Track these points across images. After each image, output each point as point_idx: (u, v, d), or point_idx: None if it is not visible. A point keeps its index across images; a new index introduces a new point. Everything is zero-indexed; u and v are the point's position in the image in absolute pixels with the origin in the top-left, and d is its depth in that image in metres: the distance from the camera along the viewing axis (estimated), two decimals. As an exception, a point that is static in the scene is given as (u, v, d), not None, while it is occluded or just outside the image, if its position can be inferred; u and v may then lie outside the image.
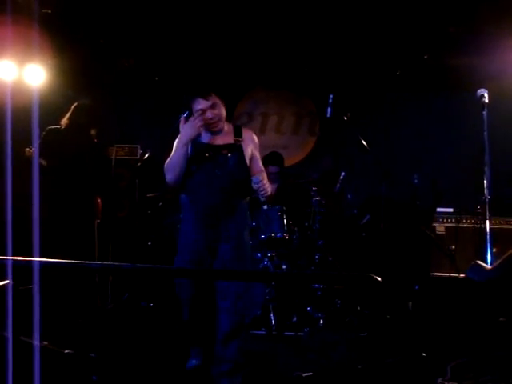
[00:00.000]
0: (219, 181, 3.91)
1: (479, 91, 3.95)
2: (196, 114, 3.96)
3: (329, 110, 5.89)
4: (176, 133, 4.47)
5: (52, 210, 5.71)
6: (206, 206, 3.93)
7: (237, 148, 4.00)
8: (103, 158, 6.21)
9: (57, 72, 6.63)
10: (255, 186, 3.81)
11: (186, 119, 3.98)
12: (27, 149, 5.69)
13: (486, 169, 3.72)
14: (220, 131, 4.01)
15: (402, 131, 7.04)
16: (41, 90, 6.21)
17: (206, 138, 4.04)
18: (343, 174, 6.14)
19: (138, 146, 6.65)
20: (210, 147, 3.99)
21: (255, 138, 4.20)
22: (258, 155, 4.17)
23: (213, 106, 3.95)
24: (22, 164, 5.19)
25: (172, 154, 3.99)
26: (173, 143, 4.11)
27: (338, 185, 6.14)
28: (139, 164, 6.14)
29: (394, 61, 6.73)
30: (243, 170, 3.98)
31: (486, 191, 3.73)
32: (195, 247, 3.99)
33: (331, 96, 5.90)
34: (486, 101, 3.89)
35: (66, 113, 5.76)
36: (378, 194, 6.04)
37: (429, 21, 5.86)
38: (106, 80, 7.14)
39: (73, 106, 5.80)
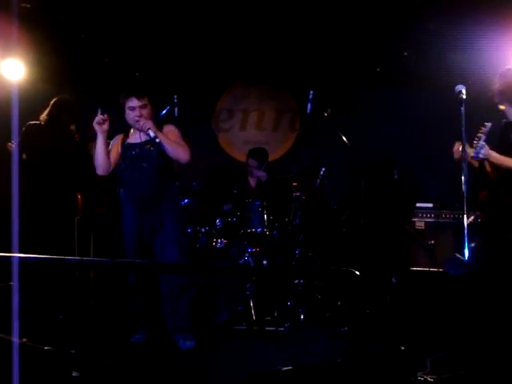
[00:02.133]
0: (147, 172, 4.64)
1: (457, 87, 3.98)
2: (126, 110, 4.67)
3: (309, 106, 5.90)
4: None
5: (32, 206, 5.68)
6: (139, 195, 4.67)
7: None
8: (83, 153, 6.17)
9: (36, 67, 6.57)
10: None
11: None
12: (9, 143, 5.65)
13: (464, 164, 3.75)
14: (143, 129, 4.58)
15: (381, 127, 7.07)
16: (20, 84, 6.15)
17: (132, 138, 4.77)
18: (323, 169, 6.15)
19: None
20: (137, 145, 4.71)
21: (173, 127, 4.83)
22: (173, 133, 4.76)
23: (143, 107, 4.65)
24: (2, 159, 5.17)
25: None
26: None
27: (318, 180, 6.15)
28: (120, 159, 6.11)
29: (374, 57, 6.76)
30: (165, 159, 4.64)
31: (463, 186, 3.77)
32: (135, 232, 4.73)
33: (311, 92, 5.91)
34: (464, 97, 3.92)
35: (46, 108, 5.73)
36: (357, 190, 6.07)
37: (408, 17, 5.90)
38: (86, 75, 7.09)
39: (52, 102, 5.76)
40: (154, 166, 4.65)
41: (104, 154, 4.65)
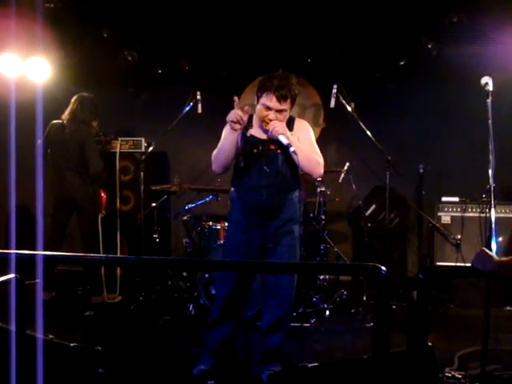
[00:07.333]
0: (267, 178, 3.79)
1: (483, 79, 3.92)
2: (259, 106, 3.81)
3: (332, 100, 5.88)
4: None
5: (56, 204, 5.74)
6: (254, 203, 3.83)
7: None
8: (106, 151, 6.21)
9: (60, 66, 6.62)
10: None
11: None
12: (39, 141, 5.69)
13: (491, 157, 3.69)
14: (273, 135, 3.73)
15: (406, 121, 7.01)
16: (44, 83, 6.20)
17: (256, 131, 3.89)
18: (348, 164, 6.13)
19: (143, 139, 6.63)
20: (260, 142, 3.84)
21: (307, 126, 4.01)
22: (307, 137, 3.94)
23: (280, 111, 3.77)
24: (29, 157, 5.22)
25: (220, 142, 3.89)
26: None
27: (343, 175, 6.13)
28: (143, 157, 6.13)
29: (397, 50, 6.70)
30: (292, 167, 3.82)
31: (490, 180, 3.71)
32: (243, 248, 3.87)
33: (335, 86, 5.88)
34: (491, 89, 3.86)
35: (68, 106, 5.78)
36: (383, 184, 6.03)
37: (432, 9, 5.84)
38: (109, 73, 7.12)
39: (72, 100, 5.79)
40: (278, 173, 3.81)
41: (232, 154, 3.82)
